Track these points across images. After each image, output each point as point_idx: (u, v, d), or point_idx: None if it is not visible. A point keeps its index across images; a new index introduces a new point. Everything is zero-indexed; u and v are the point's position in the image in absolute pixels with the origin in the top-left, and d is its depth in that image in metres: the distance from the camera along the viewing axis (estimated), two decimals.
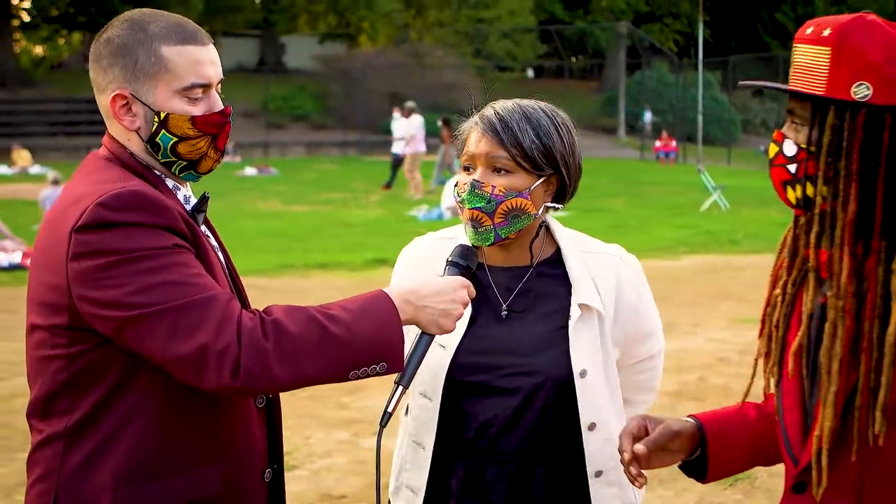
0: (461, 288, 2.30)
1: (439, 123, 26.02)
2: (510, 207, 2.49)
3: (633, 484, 2.25)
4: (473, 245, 2.55)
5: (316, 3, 49.44)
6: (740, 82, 2.08)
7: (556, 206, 2.59)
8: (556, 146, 2.52)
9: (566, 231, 2.70)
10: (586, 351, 2.55)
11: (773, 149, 1.98)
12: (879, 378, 1.84)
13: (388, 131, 42.01)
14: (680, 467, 2.31)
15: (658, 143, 38.17)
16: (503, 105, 2.56)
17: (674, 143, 37.96)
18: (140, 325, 2.10)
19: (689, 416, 2.28)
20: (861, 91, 1.83)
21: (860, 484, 1.91)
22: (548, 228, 2.67)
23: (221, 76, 2.39)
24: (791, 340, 2.03)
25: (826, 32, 1.87)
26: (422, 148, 24.38)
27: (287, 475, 6.17)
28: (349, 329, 2.16)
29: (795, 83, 1.91)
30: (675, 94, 41.91)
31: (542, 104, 2.59)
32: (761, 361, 2.15)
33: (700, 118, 37.40)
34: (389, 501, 2.76)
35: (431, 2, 48.75)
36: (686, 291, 11.59)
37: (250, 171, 30.96)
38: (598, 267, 2.64)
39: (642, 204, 22.09)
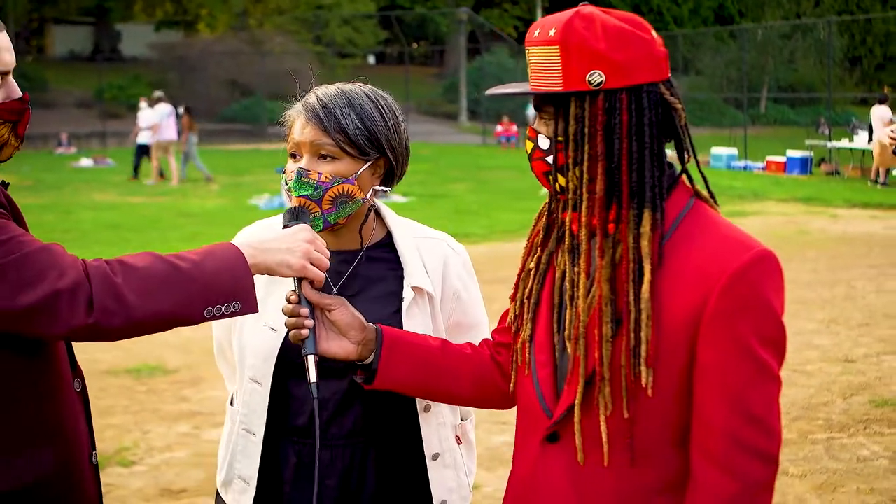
0: (302, 231, 2.33)
1: (180, 111, 26.42)
2: (337, 193, 2.48)
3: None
4: None
5: None
6: (487, 91, 2.19)
7: (385, 189, 2.60)
8: (380, 130, 2.52)
9: (397, 216, 2.72)
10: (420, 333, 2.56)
11: (529, 144, 2.13)
12: (639, 334, 1.98)
13: (229, 119, 41.88)
14: (353, 372, 2.45)
15: (499, 128, 38.57)
16: (326, 91, 2.55)
17: (514, 128, 38.41)
18: None
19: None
20: (595, 79, 1.98)
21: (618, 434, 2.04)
22: (378, 213, 2.69)
23: (14, 62, 2.31)
24: (543, 303, 2.19)
25: (552, 32, 2.01)
26: (167, 136, 24.96)
27: (126, 471, 6.16)
28: (197, 266, 2.16)
29: (535, 83, 2.05)
30: (515, 78, 42.34)
31: (366, 88, 2.58)
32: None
33: None
34: (218, 495, 2.72)
35: None
36: None
37: (86, 161, 30.22)
38: (427, 250, 2.67)
39: (484, 189, 22.30)
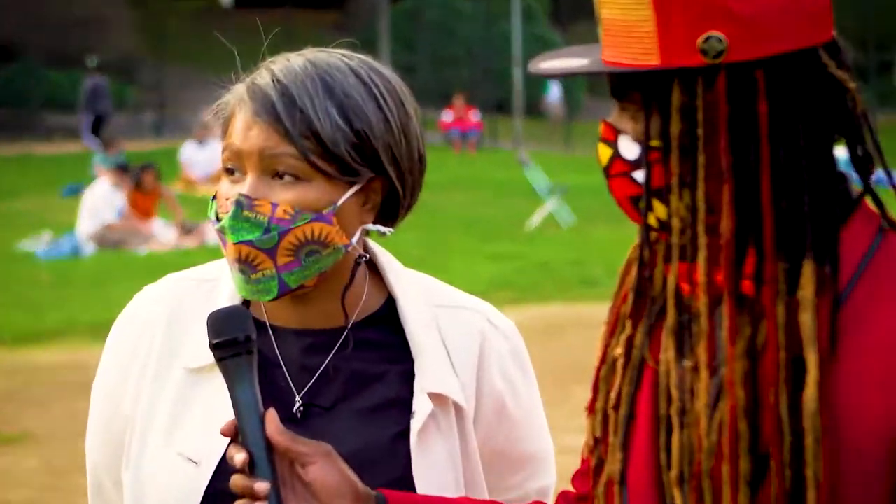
0: None
1: None
2: (304, 239, 2.59)
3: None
4: (243, 298, 2.69)
5: None
6: (532, 66, 2.29)
7: (383, 229, 2.72)
8: (375, 131, 2.62)
9: (405, 271, 2.84)
10: (439, 473, 2.68)
11: (603, 152, 2.21)
12: (802, 471, 2.02)
13: None
14: None
15: (448, 116, 38.59)
16: (286, 66, 2.65)
17: (474, 116, 38.46)
18: None
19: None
20: (713, 46, 2.04)
21: None
22: (372, 266, 2.79)
23: None
24: (640, 418, 2.25)
25: None
26: None
27: None
28: None
29: (613, 54, 2.13)
30: (473, 30, 42.73)
31: (353, 61, 2.69)
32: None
33: (518, 72, 38.10)
34: None
35: None
36: None
37: None
38: (454, 330, 2.78)
39: (432, 224, 22.42)
